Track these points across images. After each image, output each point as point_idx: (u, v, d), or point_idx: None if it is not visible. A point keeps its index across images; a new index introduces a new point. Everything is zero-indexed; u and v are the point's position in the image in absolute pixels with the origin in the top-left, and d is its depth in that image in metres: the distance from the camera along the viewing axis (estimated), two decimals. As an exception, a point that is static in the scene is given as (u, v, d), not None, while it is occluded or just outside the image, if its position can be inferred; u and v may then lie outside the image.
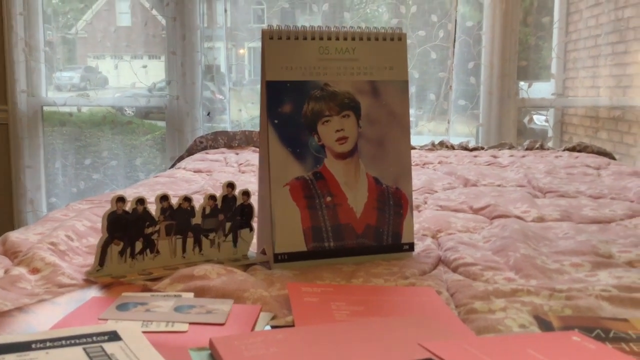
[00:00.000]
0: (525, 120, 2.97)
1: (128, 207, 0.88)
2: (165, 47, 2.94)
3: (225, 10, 2.89)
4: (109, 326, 0.63)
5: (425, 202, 1.43)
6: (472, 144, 2.55)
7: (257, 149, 2.38)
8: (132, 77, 3.00)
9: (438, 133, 2.89)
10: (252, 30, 2.94)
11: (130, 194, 1.46)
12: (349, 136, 0.96)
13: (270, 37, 0.94)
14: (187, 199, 0.93)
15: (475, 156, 2.25)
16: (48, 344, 0.59)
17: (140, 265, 0.89)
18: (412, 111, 2.90)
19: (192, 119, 2.93)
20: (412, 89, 2.88)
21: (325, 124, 0.95)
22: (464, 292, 0.80)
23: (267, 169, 0.94)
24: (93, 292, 0.79)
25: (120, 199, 0.87)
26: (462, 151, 2.42)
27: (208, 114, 2.96)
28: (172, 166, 2.29)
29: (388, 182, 0.98)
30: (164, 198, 0.91)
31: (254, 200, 0.99)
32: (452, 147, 2.51)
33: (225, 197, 0.96)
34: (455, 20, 2.82)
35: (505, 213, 1.26)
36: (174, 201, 0.92)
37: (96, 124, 3.06)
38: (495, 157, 2.25)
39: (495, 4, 2.80)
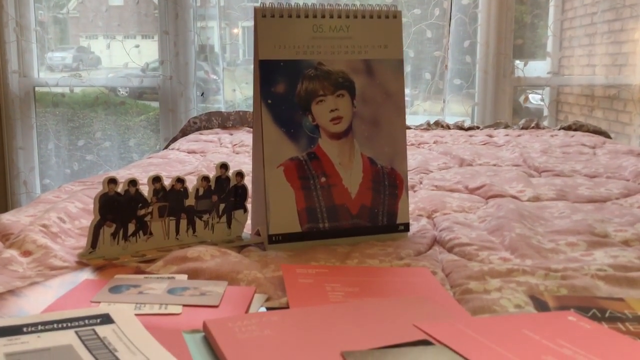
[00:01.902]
0: (521, 99, 2.96)
1: (120, 188, 0.87)
2: (158, 27, 2.91)
3: (219, -11, 2.86)
4: (101, 309, 0.63)
5: (421, 182, 1.42)
6: (467, 124, 2.54)
7: (251, 130, 2.37)
8: (124, 57, 2.97)
9: (433, 112, 2.87)
10: (246, 8, 2.91)
11: (123, 175, 1.45)
12: (343, 116, 0.95)
13: (262, 15, 0.93)
14: (179, 180, 0.92)
15: (470, 136, 2.25)
16: (40, 327, 0.58)
17: (133, 247, 0.89)
18: (407, 90, 2.88)
19: (185, 100, 2.91)
20: (408, 68, 2.87)
21: (319, 104, 0.94)
22: (459, 272, 0.80)
23: (261, 150, 0.93)
24: (85, 275, 0.79)
25: (112, 181, 0.86)
26: (458, 131, 2.41)
27: (202, 94, 2.94)
28: (166, 147, 2.28)
29: (383, 162, 0.97)
30: (156, 179, 0.90)
31: (247, 181, 0.98)
32: (448, 127, 2.50)
33: (218, 178, 0.95)
34: (451, -2, 2.79)
35: (501, 192, 1.26)
36: (167, 182, 0.91)
37: (89, 105, 3.04)
38: (490, 136, 2.24)
39: (491, -18, 2.77)
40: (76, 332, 0.57)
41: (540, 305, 0.68)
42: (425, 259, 0.87)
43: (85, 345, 0.55)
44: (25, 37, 2.92)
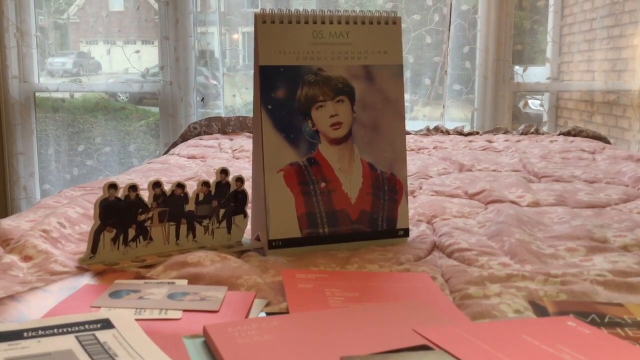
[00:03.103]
0: (520, 104, 2.96)
1: (120, 193, 0.87)
2: (158, 32, 2.92)
3: (219, -5, 2.87)
4: (101, 314, 0.63)
5: (420, 188, 1.42)
6: (467, 129, 2.54)
7: (251, 135, 2.37)
8: (125, 63, 2.98)
9: (433, 118, 2.88)
10: (246, 14, 2.92)
11: (123, 180, 1.45)
12: (343, 121, 0.95)
13: (263, 21, 0.93)
14: (180, 186, 0.92)
15: (470, 141, 2.25)
16: (40, 332, 0.58)
17: (133, 253, 0.89)
18: (407, 96, 2.89)
19: (185, 105, 2.92)
20: (407, 74, 2.87)
21: (319, 109, 0.94)
22: (458, 277, 0.80)
23: (260, 155, 0.93)
24: (85, 280, 0.79)
25: (112, 186, 0.86)
26: (457, 136, 2.42)
27: (202, 100, 2.94)
28: (166, 152, 2.28)
29: (383, 167, 0.98)
30: (156, 184, 0.90)
31: (247, 187, 0.98)
32: (447, 132, 2.50)
33: (218, 184, 0.95)
34: (451, 4, 2.80)
35: (500, 198, 1.26)
36: (167, 188, 0.91)
37: (89, 110, 3.04)
38: (490, 141, 2.25)
39: (490, -12, 2.78)
40: (76, 337, 0.57)
41: (540, 310, 0.68)
42: (424, 264, 0.87)
43: (86, 350, 0.55)
44: (25, 42, 2.93)
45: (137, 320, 0.64)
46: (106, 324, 0.60)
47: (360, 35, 0.97)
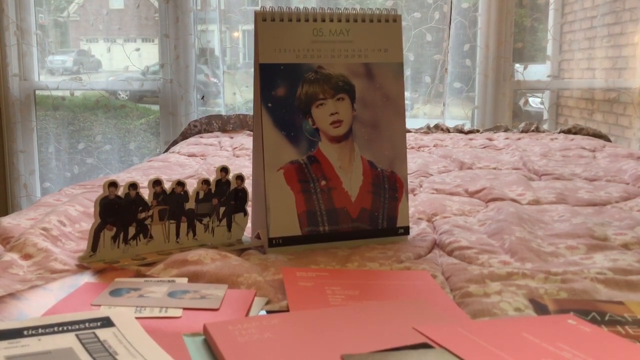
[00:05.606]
0: (521, 102, 2.96)
1: (120, 192, 0.87)
2: (159, 30, 2.91)
3: (219, -7, 2.86)
4: (101, 312, 0.63)
5: (421, 186, 1.42)
6: (467, 127, 2.54)
7: (252, 133, 2.37)
8: (125, 61, 2.97)
9: (433, 116, 2.88)
10: (246, 12, 2.91)
11: (124, 178, 1.45)
12: (343, 119, 0.95)
13: (263, 19, 0.93)
14: (180, 184, 0.92)
15: (470, 139, 2.25)
16: (40, 330, 0.58)
17: (133, 251, 0.89)
18: (407, 94, 2.88)
19: (186, 103, 2.92)
20: (407, 72, 2.87)
21: (319, 107, 0.94)
22: (459, 275, 0.80)
23: (261, 153, 0.93)
24: (86, 278, 0.79)
25: (113, 184, 0.86)
26: (458, 134, 2.42)
27: (202, 98, 2.94)
28: (166, 150, 2.28)
29: (383, 165, 0.98)
30: (156, 182, 0.90)
31: (248, 185, 0.98)
32: (448, 130, 2.50)
33: (219, 182, 0.95)
34: (451, 2, 2.80)
35: (501, 196, 1.26)
36: (167, 186, 0.91)
37: (89, 108, 3.04)
38: (490, 139, 2.25)
39: (490, -15, 2.78)
40: (77, 335, 0.57)
41: (540, 308, 0.68)
42: (425, 262, 0.87)
43: (86, 349, 0.55)
44: (25, 40, 2.93)
45: (137, 318, 0.64)
46: (106, 322, 0.60)
47: (360, 33, 0.97)
